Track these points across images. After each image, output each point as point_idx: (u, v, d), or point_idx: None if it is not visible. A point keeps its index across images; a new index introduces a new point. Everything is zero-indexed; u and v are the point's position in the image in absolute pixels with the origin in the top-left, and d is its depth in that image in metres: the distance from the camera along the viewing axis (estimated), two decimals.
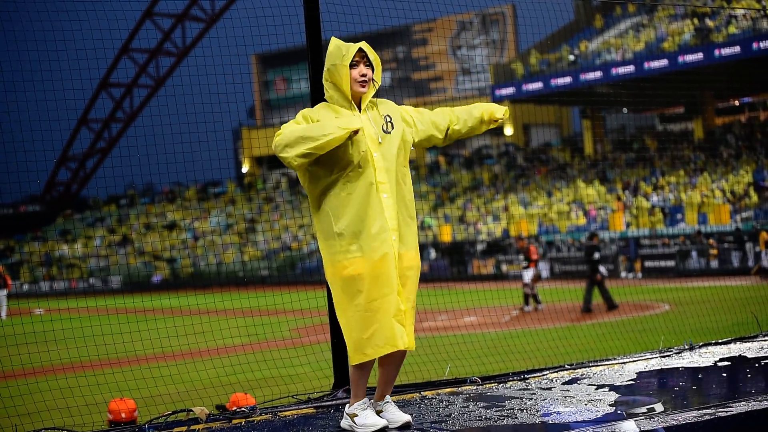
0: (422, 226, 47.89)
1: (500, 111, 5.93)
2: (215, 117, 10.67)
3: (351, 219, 5.51)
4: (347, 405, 5.72)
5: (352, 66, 5.61)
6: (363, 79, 5.61)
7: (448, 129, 5.87)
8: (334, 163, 5.54)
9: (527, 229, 43.94)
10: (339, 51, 5.62)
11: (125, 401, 8.86)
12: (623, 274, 37.44)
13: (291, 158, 5.40)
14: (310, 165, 5.53)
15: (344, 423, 5.73)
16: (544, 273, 40.30)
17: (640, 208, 40.74)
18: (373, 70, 5.67)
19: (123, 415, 8.59)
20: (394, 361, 5.69)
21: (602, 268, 24.91)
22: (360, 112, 5.67)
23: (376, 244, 5.49)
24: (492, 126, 5.94)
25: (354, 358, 5.56)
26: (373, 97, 5.74)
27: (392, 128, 5.68)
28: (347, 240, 5.51)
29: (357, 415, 5.60)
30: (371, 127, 5.63)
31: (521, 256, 25.49)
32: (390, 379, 5.76)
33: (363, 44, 5.66)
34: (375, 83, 5.69)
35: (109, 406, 8.92)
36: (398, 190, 5.61)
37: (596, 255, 24.36)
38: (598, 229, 40.79)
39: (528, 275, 25.04)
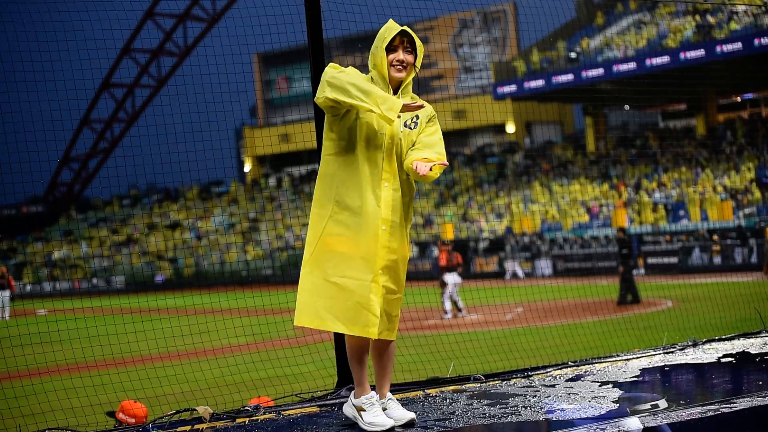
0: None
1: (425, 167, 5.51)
2: (217, 116, 10.68)
3: (351, 192, 5.50)
4: (352, 393, 5.71)
5: (391, 50, 5.54)
6: (398, 64, 5.53)
7: None
8: (348, 132, 5.53)
9: (530, 226, 43.96)
10: (381, 34, 5.56)
11: (140, 404, 8.79)
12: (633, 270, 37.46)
13: (322, 96, 5.38)
14: (331, 127, 5.55)
15: (348, 411, 5.71)
16: (547, 270, 40.37)
17: (643, 204, 40.73)
18: (415, 57, 5.58)
19: (134, 421, 8.52)
20: (380, 352, 5.69)
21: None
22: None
23: (365, 227, 5.47)
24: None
25: (303, 320, 5.57)
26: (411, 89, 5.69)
27: (414, 127, 5.64)
28: (341, 211, 5.51)
29: (364, 410, 5.59)
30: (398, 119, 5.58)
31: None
32: (385, 372, 5.73)
33: (405, 28, 5.55)
34: (415, 68, 5.60)
35: (127, 407, 8.83)
36: (400, 184, 5.58)
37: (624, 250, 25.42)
38: (601, 226, 40.81)
39: (452, 279, 25.20)
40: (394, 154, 5.56)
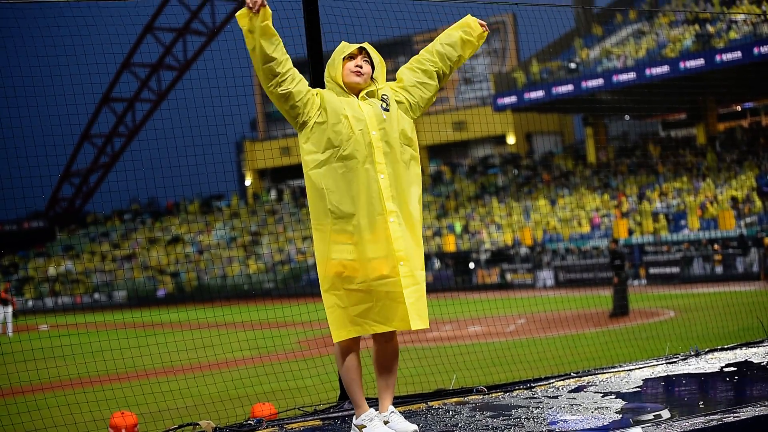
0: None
1: (475, 22, 6.25)
2: (218, 130, 10.68)
3: (345, 198, 5.50)
4: (354, 417, 5.71)
5: (350, 58, 5.69)
6: (357, 69, 5.66)
7: (438, 73, 5.96)
8: (326, 140, 5.56)
9: (531, 237, 43.94)
10: (341, 47, 5.75)
11: (126, 415, 8.83)
12: (628, 281, 37.38)
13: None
14: (307, 140, 5.60)
15: None
16: (549, 281, 40.36)
17: (644, 214, 40.70)
18: (373, 68, 5.72)
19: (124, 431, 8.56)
20: (385, 360, 5.70)
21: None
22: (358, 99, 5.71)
23: (372, 226, 5.48)
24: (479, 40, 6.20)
25: (341, 333, 5.58)
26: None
27: (389, 108, 5.69)
28: (341, 219, 5.50)
29: (365, 426, 5.60)
30: (371, 109, 5.64)
31: None
32: (388, 385, 5.73)
33: (365, 44, 5.75)
34: (375, 81, 5.73)
35: (112, 420, 8.88)
36: (398, 171, 5.61)
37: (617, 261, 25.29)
38: (602, 236, 40.80)
39: None
40: (384, 143, 5.62)
